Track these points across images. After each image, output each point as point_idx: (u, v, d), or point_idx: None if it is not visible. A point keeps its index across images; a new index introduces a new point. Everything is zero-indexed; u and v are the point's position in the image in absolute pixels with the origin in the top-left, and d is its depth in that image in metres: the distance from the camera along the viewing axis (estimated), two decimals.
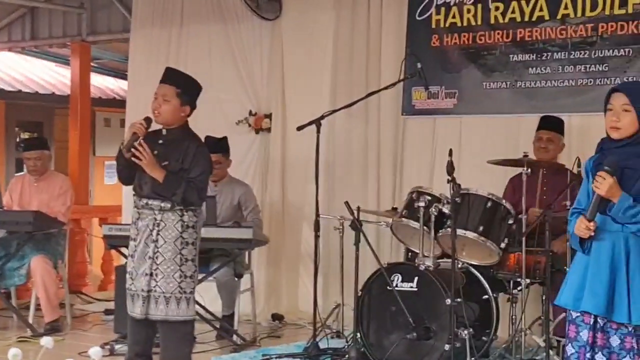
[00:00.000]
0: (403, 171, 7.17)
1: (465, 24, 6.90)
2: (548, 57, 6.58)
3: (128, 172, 4.96)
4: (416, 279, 5.58)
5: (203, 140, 5.30)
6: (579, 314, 3.73)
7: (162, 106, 4.90)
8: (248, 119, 7.87)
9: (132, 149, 4.80)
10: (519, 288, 5.71)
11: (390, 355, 5.51)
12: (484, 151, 6.55)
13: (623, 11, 6.30)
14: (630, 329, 3.65)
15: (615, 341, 3.69)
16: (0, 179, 11.26)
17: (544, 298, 5.61)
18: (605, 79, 6.32)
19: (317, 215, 6.12)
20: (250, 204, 6.96)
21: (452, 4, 6.93)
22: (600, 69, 6.37)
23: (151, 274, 4.82)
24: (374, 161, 7.27)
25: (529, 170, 5.68)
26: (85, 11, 9.43)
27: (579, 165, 5.30)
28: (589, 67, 6.42)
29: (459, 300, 5.28)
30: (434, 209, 5.58)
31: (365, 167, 7.32)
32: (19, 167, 11.28)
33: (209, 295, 6.94)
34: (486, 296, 5.72)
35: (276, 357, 5.99)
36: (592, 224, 3.64)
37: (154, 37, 8.40)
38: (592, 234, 3.66)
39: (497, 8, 6.76)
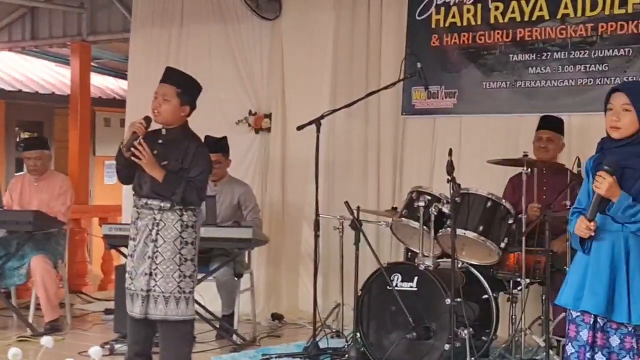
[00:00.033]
0: (403, 171, 7.17)
1: (465, 23, 6.90)
2: (548, 57, 6.58)
3: (127, 171, 4.97)
4: (416, 278, 5.58)
5: (203, 139, 5.31)
6: (579, 314, 3.73)
7: (162, 106, 4.90)
8: (248, 119, 7.88)
9: (132, 148, 4.81)
10: (518, 288, 5.71)
11: (390, 355, 5.51)
12: (484, 151, 6.56)
13: (623, 11, 6.30)
14: (630, 328, 3.65)
15: (615, 341, 3.69)
16: (0, 178, 11.26)
17: (543, 298, 5.61)
18: (605, 79, 6.32)
19: (317, 214, 6.12)
20: (250, 203, 6.96)
21: (451, 3, 6.93)
22: (600, 68, 6.37)
23: (150, 274, 4.82)
24: (373, 161, 7.27)
25: (529, 170, 5.68)
26: (85, 11, 9.43)
27: (579, 165, 5.30)
28: (589, 67, 6.42)
29: (458, 300, 5.28)
30: (433, 209, 5.59)
31: (365, 166, 7.32)
32: (19, 166, 11.28)
33: (208, 294, 6.93)
34: (486, 296, 5.72)
35: (276, 357, 5.99)
36: (592, 224, 3.64)
37: (154, 37, 8.41)
38: (593, 234, 3.66)
39: (497, 8, 6.77)
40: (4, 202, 7.40)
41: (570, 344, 3.77)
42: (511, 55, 6.72)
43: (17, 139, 12.23)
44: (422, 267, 5.55)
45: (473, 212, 5.60)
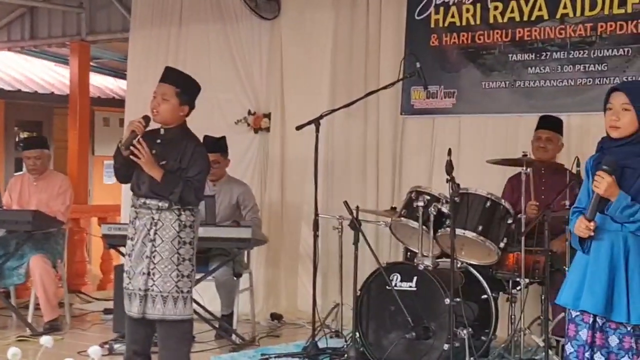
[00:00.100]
0: (402, 171, 7.16)
1: (464, 23, 6.90)
2: (547, 57, 6.58)
3: (126, 170, 4.97)
4: (415, 278, 5.58)
5: (202, 139, 5.31)
6: (578, 313, 3.73)
7: (161, 105, 4.90)
8: (247, 119, 7.88)
9: (131, 147, 4.81)
10: (518, 288, 5.71)
11: (389, 354, 5.51)
12: (483, 151, 6.56)
13: (622, 11, 6.29)
14: (629, 328, 3.65)
15: (613, 341, 3.68)
16: (0, 178, 11.26)
17: (543, 298, 5.61)
18: (605, 79, 6.32)
19: (316, 214, 6.12)
20: (249, 203, 6.96)
21: (451, 3, 6.93)
22: (600, 68, 6.37)
23: (148, 273, 4.83)
24: (373, 161, 7.26)
25: (528, 169, 5.68)
26: (84, 11, 9.43)
27: (578, 165, 5.30)
28: (588, 67, 6.42)
29: (458, 299, 5.28)
30: (433, 209, 5.58)
31: (364, 166, 7.32)
32: (18, 166, 11.28)
33: (207, 294, 6.94)
34: (485, 296, 5.72)
35: (275, 357, 5.99)
36: (592, 224, 3.64)
37: (153, 36, 8.41)
38: (592, 234, 3.66)
39: (496, 7, 6.76)
40: (3, 202, 7.40)
41: (569, 343, 3.77)
42: (510, 55, 6.72)
43: (17, 139, 12.23)
44: (421, 267, 5.55)
45: (472, 212, 5.61)
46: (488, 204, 5.63)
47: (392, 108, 7.20)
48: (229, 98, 7.93)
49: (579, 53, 6.45)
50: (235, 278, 6.68)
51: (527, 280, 5.61)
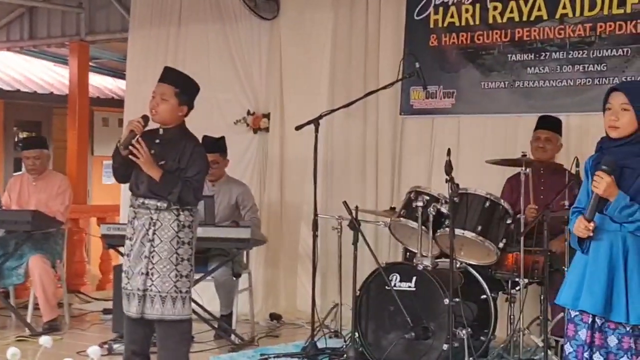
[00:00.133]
0: (401, 171, 7.16)
1: (463, 23, 6.90)
2: (546, 57, 6.58)
3: (124, 169, 4.97)
4: (414, 278, 5.58)
5: (201, 139, 5.30)
6: (577, 313, 3.73)
7: (160, 105, 4.90)
8: (246, 119, 7.87)
9: (130, 147, 4.81)
10: (517, 288, 5.71)
11: (388, 355, 5.51)
12: (482, 151, 6.56)
13: (621, 11, 6.29)
14: (628, 328, 3.65)
15: (612, 341, 3.68)
16: None
17: (542, 298, 5.60)
18: (604, 79, 6.32)
19: (316, 214, 6.11)
20: (248, 203, 6.95)
21: (450, 3, 6.93)
22: (599, 68, 6.37)
23: (147, 273, 4.83)
24: (372, 161, 7.26)
25: (527, 170, 5.68)
26: (83, 11, 9.43)
27: (577, 165, 5.30)
28: (588, 67, 6.42)
29: (457, 300, 5.29)
30: (432, 209, 5.58)
31: (363, 166, 7.32)
32: (17, 166, 11.28)
33: (207, 294, 6.93)
34: (484, 296, 5.72)
35: (274, 357, 5.99)
36: (591, 224, 3.64)
37: (152, 36, 8.41)
38: (591, 234, 3.66)
39: (495, 8, 6.76)
40: (3, 202, 7.40)
41: (568, 343, 3.77)
42: (510, 55, 6.72)
43: (16, 139, 12.23)
44: (420, 267, 5.55)
45: (471, 212, 5.61)
46: (487, 204, 5.63)
47: (391, 108, 7.20)
48: (228, 98, 7.93)
49: (578, 53, 6.45)
50: (234, 278, 6.68)
51: (526, 281, 5.62)
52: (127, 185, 5.07)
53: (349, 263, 5.94)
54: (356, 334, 5.69)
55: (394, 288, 5.57)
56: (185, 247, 4.88)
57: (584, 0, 6.41)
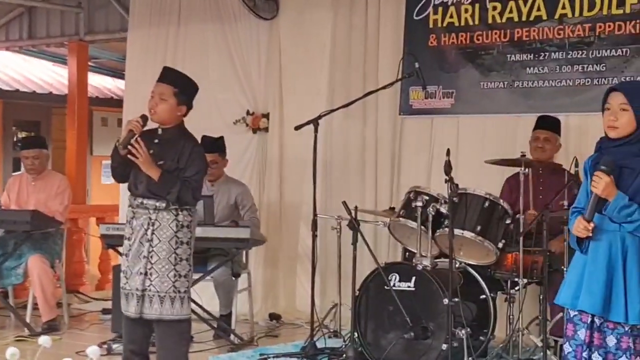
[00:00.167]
0: (401, 171, 7.16)
1: (462, 23, 6.90)
2: (546, 57, 6.58)
3: (123, 169, 4.97)
4: (414, 278, 5.58)
5: (200, 139, 5.31)
6: (576, 313, 3.73)
7: (159, 105, 4.90)
8: (245, 119, 7.87)
9: (129, 147, 4.81)
10: (516, 288, 5.71)
11: (387, 354, 5.51)
12: (482, 151, 6.56)
13: (621, 11, 6.30)
14: (626, 328, 3.65)
15: (611, 341, 3.68)
16: None
17: (541, 298, 5.61)
18: (603, 79, 6.32)
19: (315, 214, 6.11)
20: (247, 203, 6.95)
21: (449, 3, 6.93)
22: (598, 69, 6.38)
23: (146, 273, 4.82)
24: (371, 161, 7.26)
25: (527, 170, 5.68)
26: (82, 10, 9.42)
27: (576, 165, 5.30)
28: (587, 67, 6.42)
29: (456, 299, 5.29)
30: (431, 209, 5.58)
31: (362, 166, 7.32)
32: (16, 166, 11.28)
33: (206, 294, 6.93)
34: (484, 296, 5.72)
35: (274, 357, 5.99)
36: (590, 224, 3.64)
37: (151, 36, 8.40)
38: (590, 234, 3.66)
39: (494, 8, 6.77)
40: (2, 202, 7.40)
41: (567, 342, 3.77)
42: (509, 55, 6.72)
43: (15, 139, 12.23)
44: (419, 267, 5.55)
45: (471, 212, 5.61)
46: (486, 204, 5.63)
47: (390, 108, 7.20)
48: (227, 98, 7.93)
49: (578, 53, 6.45)
50: (233, 278, 6.67)
51: (525, 281, 5.62)
52: (126, 185, 5.07)
53: (348, 263, 5.94)
54: (355, 333, 5.69)
55: (393, 288, 5.57)
56: (184, 247, 4.88)
57: (583, 1, 6.42)
